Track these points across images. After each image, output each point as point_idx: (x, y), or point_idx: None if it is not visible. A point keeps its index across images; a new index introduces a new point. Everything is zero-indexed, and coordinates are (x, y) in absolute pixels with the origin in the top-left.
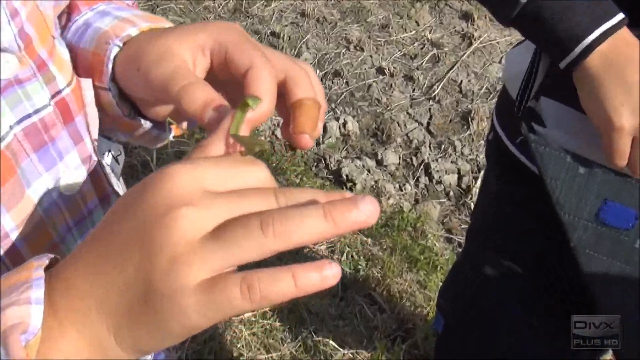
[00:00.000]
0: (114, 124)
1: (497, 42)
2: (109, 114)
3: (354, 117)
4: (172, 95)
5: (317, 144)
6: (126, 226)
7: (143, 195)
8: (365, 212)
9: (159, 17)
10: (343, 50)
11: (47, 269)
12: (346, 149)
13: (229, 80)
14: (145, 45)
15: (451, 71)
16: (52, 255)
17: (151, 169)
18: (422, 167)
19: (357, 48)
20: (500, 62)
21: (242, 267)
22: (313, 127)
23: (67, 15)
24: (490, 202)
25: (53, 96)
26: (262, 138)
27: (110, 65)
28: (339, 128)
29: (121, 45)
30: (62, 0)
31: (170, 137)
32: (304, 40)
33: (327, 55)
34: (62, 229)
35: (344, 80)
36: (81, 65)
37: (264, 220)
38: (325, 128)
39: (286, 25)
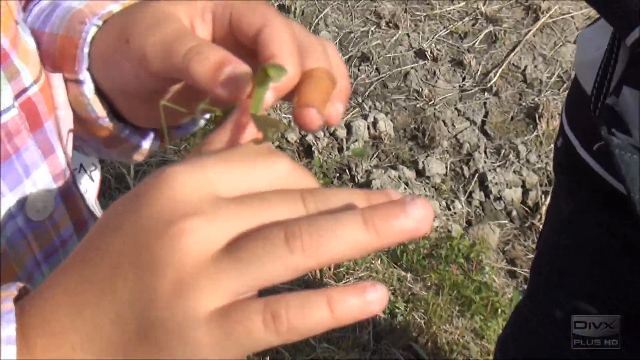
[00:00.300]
0: (82, 130)
1: (572, 17)
2: (79, 115)
3: (386, 114)
4: (176, 61)
5: (340, 149)
6: (117, 241)
7: (137, 204)
8: (415, 217)
9: None
10: (372, 28)
11: (16, 300)
12: (377, 156)
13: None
14: (133, 17)
15: (512, 54)
16: (21, 285)
17: (127, 183)
18: (475, 178)
19: (391, 25)
20: (575, 42)
21: (264, 292)
22: (322, 102)
23: None
24: (558, 215)
25: (17, 96)
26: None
27: (86, 50)
28: (368, 128)
29: (100, 24)
30: None
31: (147, 145)
32: (322, 15)
33: (352, 35)
34: (30, 263)
35: (374, 67)
36: (47, 55)
37: (290, 231)
38: (349, 129)
39: None
